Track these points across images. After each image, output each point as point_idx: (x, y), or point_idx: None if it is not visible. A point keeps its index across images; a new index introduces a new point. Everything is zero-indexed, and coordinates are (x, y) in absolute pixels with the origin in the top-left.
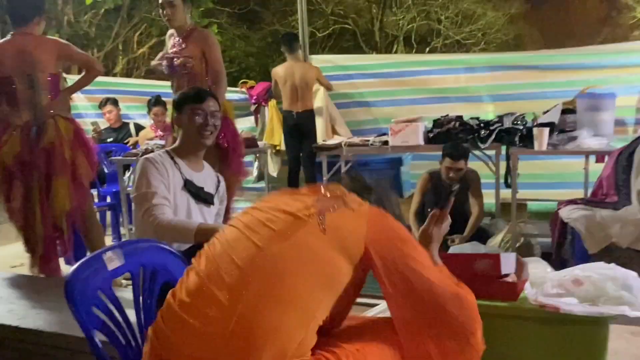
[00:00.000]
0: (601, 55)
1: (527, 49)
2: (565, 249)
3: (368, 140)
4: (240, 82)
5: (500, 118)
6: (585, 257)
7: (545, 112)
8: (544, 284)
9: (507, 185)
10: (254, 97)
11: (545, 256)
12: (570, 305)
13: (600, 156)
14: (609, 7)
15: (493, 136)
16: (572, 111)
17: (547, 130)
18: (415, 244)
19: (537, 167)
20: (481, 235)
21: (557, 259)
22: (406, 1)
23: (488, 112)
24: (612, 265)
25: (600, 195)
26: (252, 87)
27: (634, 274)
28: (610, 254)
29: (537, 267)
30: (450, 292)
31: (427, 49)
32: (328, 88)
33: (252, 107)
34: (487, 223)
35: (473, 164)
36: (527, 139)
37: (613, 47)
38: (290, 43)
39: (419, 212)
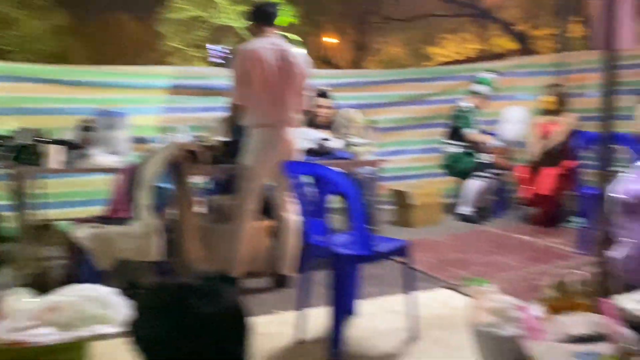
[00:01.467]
0: (123, 75)
1: (73, 64)
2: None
3: None
4: None
5: (15, 133)
6: (95, 276)
7: (68, 129)
8: (15, 317)
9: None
10: None
11: None
12: (42, 335)
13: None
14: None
15: (7, 153)
16: (91, 129)
17: (60, 147)
18: None
19: (64, 185)
20: None
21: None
22: None
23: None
24: (94, 286)
25: (115, 211)
26: None
27: (113, 290)
28: (123, 268)
29: (17, 299)
30: None
31: None
32: None
33: None
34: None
35: None
36: (39, 156)
37: (135, 69)
38: None
39: None
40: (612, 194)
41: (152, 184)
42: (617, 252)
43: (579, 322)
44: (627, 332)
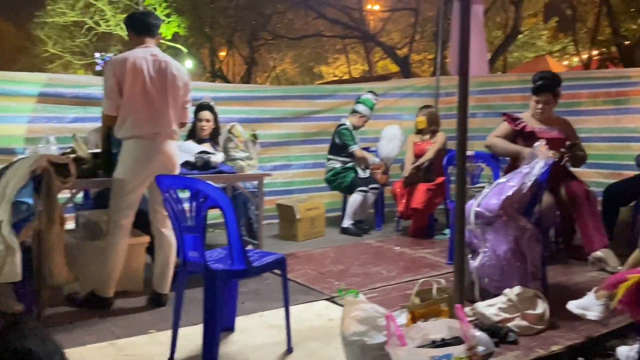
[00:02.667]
0: None
1: None
2: None
3: None
4: None
5: None
6: None
7: None
8: None
9: None
10: None
11: None
12: None
13: None
14: (24, 38)
15: None
16: None
17: None
18: None
19: None
20: None
21: None
22: None
23: None
24: None
25: None
26: None
27: None
28: None
29: None
30: None
31: None
32: None
33: None
34: None
35: None
36: None
37: (1, 75)
38: None
39: None
40: (471, 208)
41: (13, 198)
42: (475, 261)
43: (438, 327)
44: (480, 334)
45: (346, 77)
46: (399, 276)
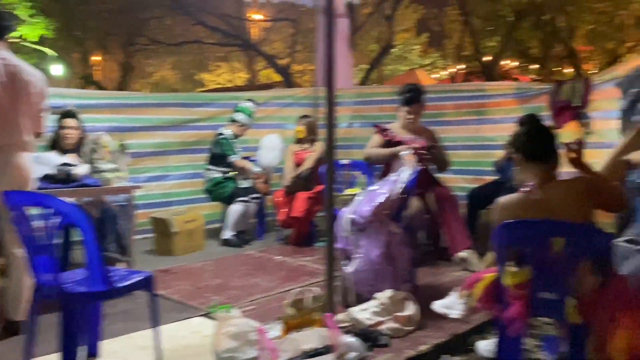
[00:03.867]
0: None
1: None
2: None
3: None
4: None
5: None
6: None
7: None
8: None
9: None
10: None
11: None
12: None
13: None
14: None
15: None
16: None
17: None
18: None
19: None
20: None
21: None
22: None
23: None
24: None
25: None
26: None
27: None
28: None
29: None
30: None
31: None
32: None
33: None
34: None
35: None
36: None
37: None
38: None
39: None
40: (346, 215)
41: None
42: (350, 267)
43: (310, 337)
44: (353, 340)
45: (229, 85)
46: (279, 286)
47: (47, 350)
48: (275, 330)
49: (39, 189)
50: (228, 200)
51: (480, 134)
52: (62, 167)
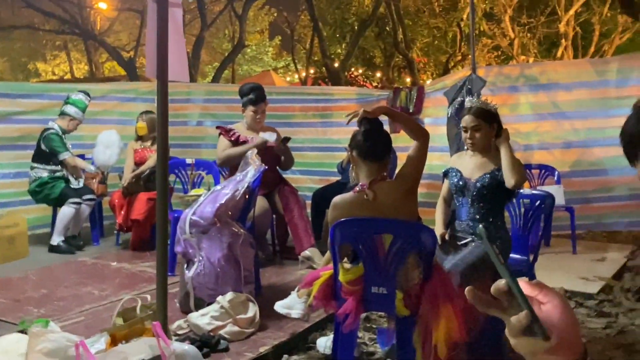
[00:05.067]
0: None
1: None
2: None
3: None
4: None
5: None
6: None
7: None
8: None
9: None
10: None
11: None
12: None
13: None
14: None
15: None
16: None
17: None
18: None
19: None
20: None
21: None
22: None
23: None
24: None
25: None
26: None
27: None
28: None
29: None
30: None
31: None
32: None
33: None
34: None
35: None
36: None
37: None
38: None
39: None
40: (187, 216)
41: None
42: (190, 271)
43: (138, 348)
44: (188, 348)
45: (68, 76)
46: (113, 294)
47: None
48: (99, 343)
49: None
50: (57, 202)
51: (326, 136)
52: None
